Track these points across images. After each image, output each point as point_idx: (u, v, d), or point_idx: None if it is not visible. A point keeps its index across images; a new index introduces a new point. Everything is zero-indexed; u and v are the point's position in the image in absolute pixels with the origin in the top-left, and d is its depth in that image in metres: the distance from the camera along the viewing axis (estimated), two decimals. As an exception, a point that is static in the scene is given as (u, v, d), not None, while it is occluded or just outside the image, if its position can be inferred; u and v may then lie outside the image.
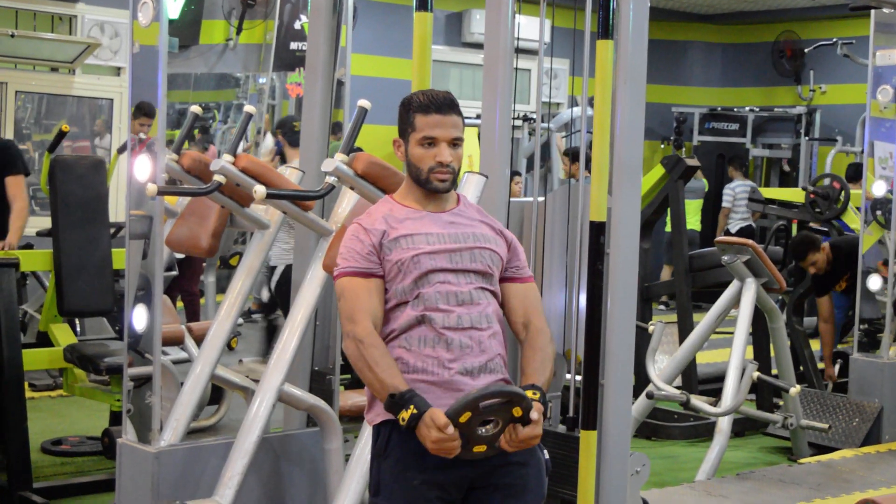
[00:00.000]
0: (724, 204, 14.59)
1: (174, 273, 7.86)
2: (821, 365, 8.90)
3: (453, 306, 3.30)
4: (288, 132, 8.07)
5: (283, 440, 5.00)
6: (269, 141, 11.98)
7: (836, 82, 15.92)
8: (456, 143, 3.36)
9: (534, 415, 3.16)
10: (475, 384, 3.28)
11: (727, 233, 14.12)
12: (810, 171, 15.49)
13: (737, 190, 14.46)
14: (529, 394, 3.22)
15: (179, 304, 8.47)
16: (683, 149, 16.08)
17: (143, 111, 4.85)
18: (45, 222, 7.87)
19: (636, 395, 6.54)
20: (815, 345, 9.05)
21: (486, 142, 4.68)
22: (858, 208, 8.77)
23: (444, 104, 3.36)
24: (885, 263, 8.16)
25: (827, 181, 9.81)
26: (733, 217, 14.48)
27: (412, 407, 3.13)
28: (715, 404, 6.94)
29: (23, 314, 8.17)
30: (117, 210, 9.45)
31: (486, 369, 3.32)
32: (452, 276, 3.33)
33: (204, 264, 8.64)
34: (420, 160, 3.36)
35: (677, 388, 7.21)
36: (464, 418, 3.09)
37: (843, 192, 9.38)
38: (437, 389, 3.26)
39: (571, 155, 6.75)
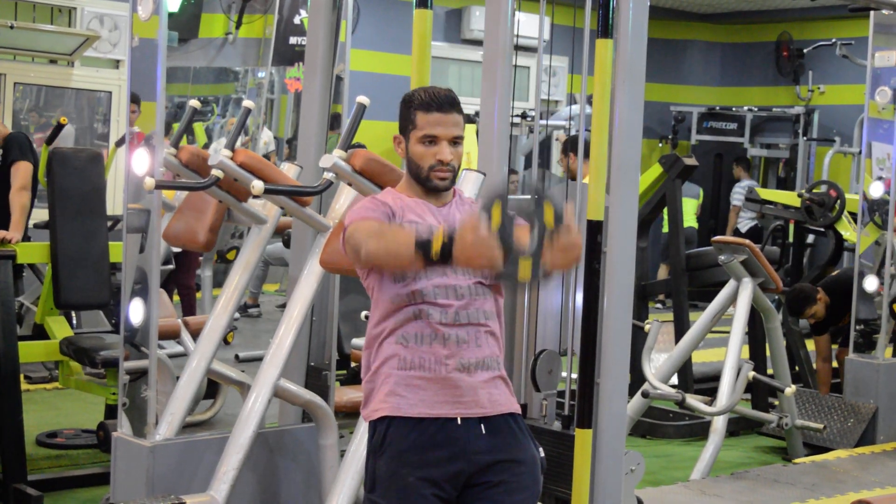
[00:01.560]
0: (735, 202, 14.61)
1: (171, 267, 7.87)
2: None
3: (452, 301, 3.30)
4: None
5: (278, 435, 5.00)
6: (266, 135, 11.98)
7: (835, 83, 15.93)
8: (456, 141, 3.36)
9: (569, 212, 2.96)
10: (472, 380, 3.28)
11: (737, 231, 14.13)
12: (808, 172, 15.50)
13: (748, 189, 14.49)
14: None
15: (176, 297, 8.47)
16: (676, 148, 16.08)
17: (131, 98, 4.88)
18: (42, 215, 7.86)
19: (632, 393, 6.55)
20: (810, 345, 9.06)
21: (484, 139, 4.68)
22: (853, 213, 8.77)
23: (446, 102, 3.35)
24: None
25: (823, 188, 9.81)
26: (742, 216, 14.49)
27: (441, 231, 2.97)
28: (710, 403, 6.95)
29: (19, 306, 8.17)
30: (114, 203, 9.46)
31: (482, 365, 3.32)
32: (451, 270, 3.32)
33: (200, 258, 8.65)
34: (420, 158, 3.36)
35: (673, 386, 7.22)
36: (495, 216, 2.88)
37: (838, 200, 9.38)
38: (435, 385, 3.26)
39: (569, 146, 6.73)
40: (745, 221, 14.50)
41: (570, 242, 2.94)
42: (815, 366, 8.61)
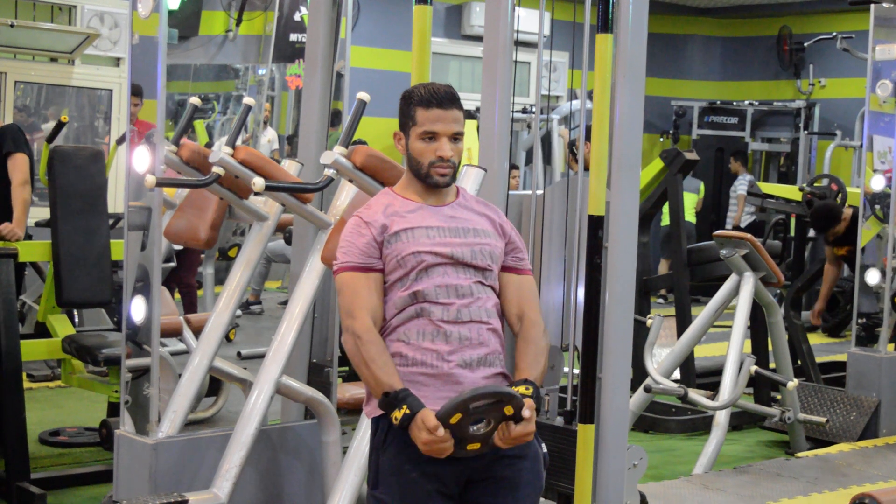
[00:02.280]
0: (740, 191, 14.63)
1: (172, 264, 7.87)
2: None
3: (453, 299, 3.30)
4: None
5: (280, 432, 5.00)
6: (270, 133, 11.98)
7: (836, 76, 15.92)
8: (456, 137, 3.36)
9: (526, 412, 3.17)
10: (474, 377, 3.29)
11: (736, 228, 14.13)
12: (809, 166, 15.49)
13: (749, 184, 14.52)
14: (521, 389, 3.23)
15: (177, 295, 8.47)
16: (677, 143, 16.08)
17: (132, 91, 4.88)
18: (43, 213, 7.86)
19: (634, 388, 6.54)
20: (812, 339, 9.06)
21: (485, 135, 4.68)
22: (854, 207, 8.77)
23: (446, 98, 3.36)
24: None
25: (825, 182, 9.80)
26: (746, 210, 14.50)
27: (405, 407, 3.16)
28: (713, 398, 6.95)
29: (21, 305, 8.17)
30: (116, 201, 9.46)
31: (484, 362, 3.32)
32: (452, 270, 3.33)
33: (202, 256, 8.65)
34: (421, 154, 3.36)
35: (675, 381, 7.21)
36: (454, 419, 3.11)
37: (839, 194, 9.38)
38: (437, 381, 3.27)
39: (575, 145, 6.74)
40: (745, 216, 14.51)
41: (526, 433, 3.21)
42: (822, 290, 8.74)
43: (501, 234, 3.48)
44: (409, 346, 3.29)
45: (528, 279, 3.52)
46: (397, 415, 3.16)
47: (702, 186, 14.98)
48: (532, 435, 3.23)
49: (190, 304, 8.39)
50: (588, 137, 5.57)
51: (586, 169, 4.71)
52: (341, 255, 3.36)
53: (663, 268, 13.80)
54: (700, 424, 7.95)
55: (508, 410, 3.16)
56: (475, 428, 3.15)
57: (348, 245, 3.36)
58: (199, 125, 11.66)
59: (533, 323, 3.42)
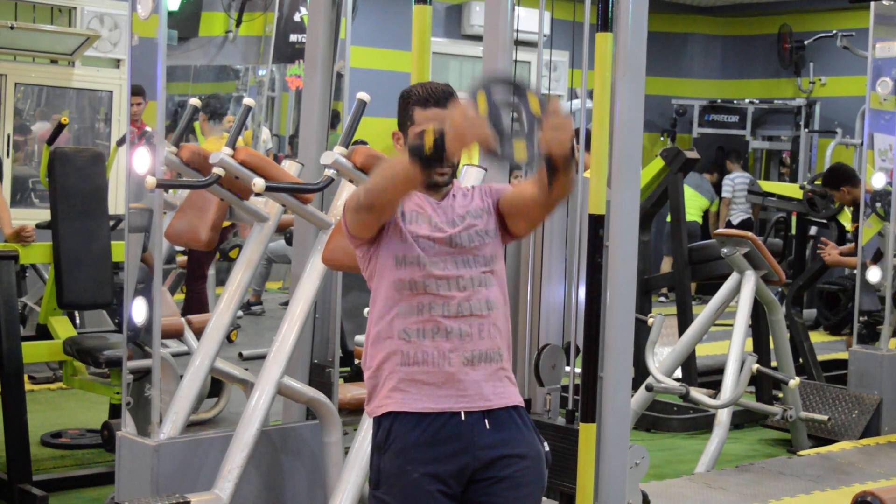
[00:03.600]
0: (725, 194, 14.61)
1: (174, 266, 7.87)
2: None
3: (454, 292, 3.30)
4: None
5: (282, 433, 5.01)
6: (264, 133, 11.98)
7: (836, 74, 15.91)
8: (455, 136, 3.35)
9: (553, 99, 3.02)
10: (475, 374, 3.28)
11: (729, 224, 14.13)
12: (810, 164, 15.49)
13: (736, 181, 14.52)
14: None
15: (178, 296, 8.47)
16: (677, 142, 16.06)
17: (133, 91, 4.89)
18: (44, 214, 7.86)
19: (635, 387, 6.54)
20: (814, 337, 9.06)
21: (485, 134, 4.67)
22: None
23: (443, 97, 3.35)
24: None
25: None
26: (734, 209, 14.49)
27: (430, 128, 3.03)
28: (714, 396, 6.95)
29: (22, 307, 8.17)
30: (116, 202, 9.46)
31: (485, 358, 3.32)
32: (452, 264, 3.32)
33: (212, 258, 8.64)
34: (419, 153, 3.35)
35: (677, 380, 7.21)
36: (481, 102, 2.93)
37: None
38: (438, 380, 3.26)
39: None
40: (738, 214, 14.49)
41: (560, 122, 2.99)
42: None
43: (489, 194, 3.46)
44: (410, 343, 3.28)
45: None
46: (428, 140, 3.01)
47: (717, 201, 14.87)
48: (571, 126, 3.05)
49: (198, 308, 8.35)
50: (588, 147, 5.57)
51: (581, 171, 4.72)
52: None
53: (666, 265, 13.79)
54: (702, 423, 7.95)
55: (534, 103, 2.99)
56: (509, 124, 2.97)
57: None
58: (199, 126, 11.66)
59: None
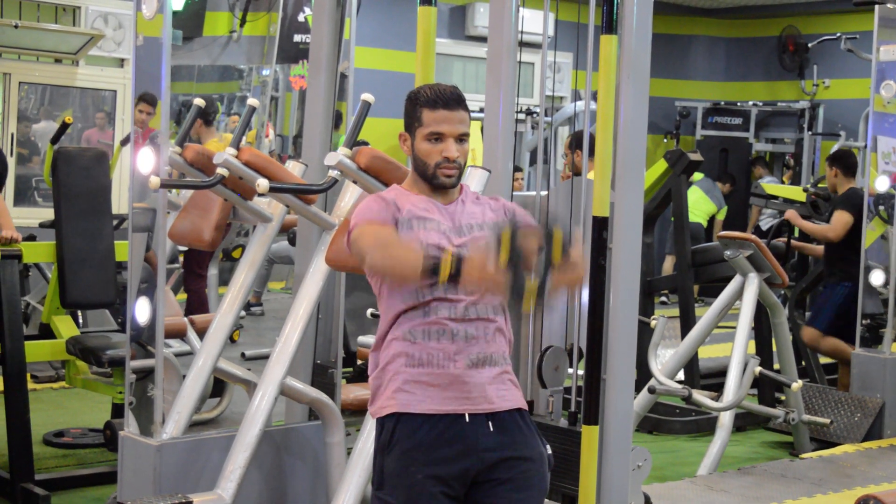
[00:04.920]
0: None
1: (177, 266, 7.87)
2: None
3: (462, 295, 3.30)
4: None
5: (285, 433, 5.01)
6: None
7: (840, 77, 15.90)
8: (462, 138, 3.35)
9: (577, 242, 3.08)
10: (480, 377, 3.28)
11: (757, 229, 14.08)
12: (813, 166, 15.47)
13: (753, 185, 14.47)
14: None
15: (181, 296, 8.47)
16: (681, 144, 16.05)
17: (144, 98, 4.88)
18: (48, 214, 7.87)
19: (638, 389, 6.55)
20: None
21: (489, 136, 4.68)
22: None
23: (452, 99, 3.35)
24: None
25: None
26: (764, 214, 14.43)
27: (449, 256, 3.04)
28: (717, 399, 6.94)
29: (25, 306, 8.18)
30: (120, 202, 9.46)
31: (490, 361, 3.32)
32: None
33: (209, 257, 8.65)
34: (427, 155, 3.35)
35: (679, 382, 7.21)
36: (504, 251, 2.95)
37: None
38: (442, 382, 3.26)
39: (574, 143, 6.72)
40: (767, 219, 14.44)
41: (575, 276, 3.07)
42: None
43: (503, 214, 3.47)
44: (416, 345, 3.28)
45: None
46: (444, 272, 3.03)
47: (724, 209, 14.80)
48: (582, 278, 3.14)
49: (198, 308, 8.35)
50: (579, 146, 5.57)
51: (577, 174, 4.72)
52: (358, 218, 3.32)
53: (667, 264, 13.78)
54: (704, 425, 7.94)
55: (556, 248, 3.02)
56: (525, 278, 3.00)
57: (366, 209, 3.32)
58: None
59: None
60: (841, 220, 8.21)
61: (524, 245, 2.97)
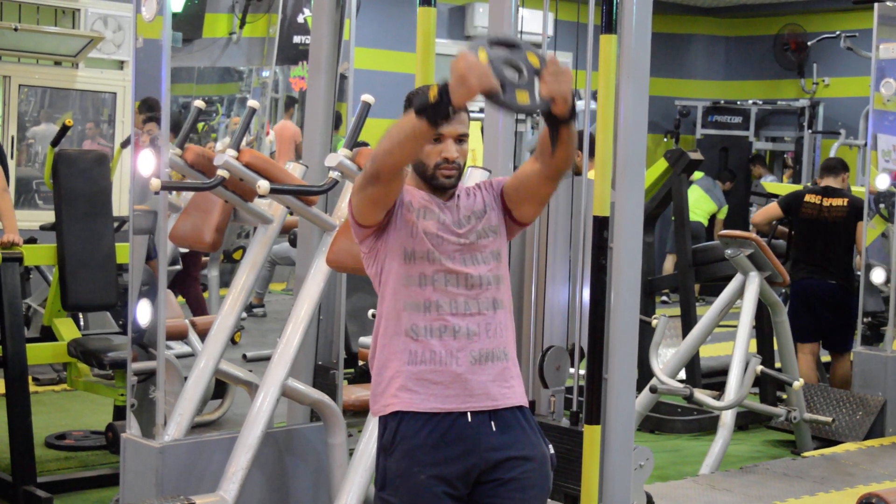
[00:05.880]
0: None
1: (178, 267, 7.87)
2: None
3: (462, 290, 3.30)
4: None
5: (286, 435, 5.01)
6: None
7: (840, 75, 15.90)
8: (461, 139, 3.35)
9: (549, 55, 3.07)
10: (482, 372, 3.29)
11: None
12: (813, 165, 15.47)
13: (753, 184, 14.46)
14: None
15: (179, 299, 8.47)
16: (680, 143, 16.04)
17: (153, 119, 4.83)
18: (48, 216, 7.87)
19: (640, 389, 6.54)
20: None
21: (489, 136, 4.68)
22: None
23: (451, 100, 3.35)
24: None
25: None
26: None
27: (433, 85, 3.05)
28: (718, 398, 6.95)
29: (26, 308, 8.18)
30: (120, 204, 9.46)
31: (492, 356, 3.32)
32: (461, 261, 3.32)
33: (206, 258, 8.65)
34: (426, 156, 3.35)
35: (681, 381, 7.21)
36: (482, 55, 2.96)
37: None
38: (445, 379, 3.26)
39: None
40: None
41: (559, 70, 3.05)
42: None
43: (492, 187, 3.47)
44: (417, 342, 3.28)
45: None
46: (433, 90, 3.03)
47: (725, 209, 14.76)
48: (570, 79, 3.10)
49: (197, 307, 8.36)
50: (580, 146, 5.56)
51: (577, 174, 4.72)
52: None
53: (668, 263, 13.77)
54: (706, 424, 7.94)
55: (533, 58, 3.04)
56: (511, 75, 3.01)
57: None
58: (201, 128, 11.66)
59: None
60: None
61: (499, 54, 2.99)
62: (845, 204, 8.06)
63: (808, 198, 8.24)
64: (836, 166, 8.33)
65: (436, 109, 3.03)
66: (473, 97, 3.00)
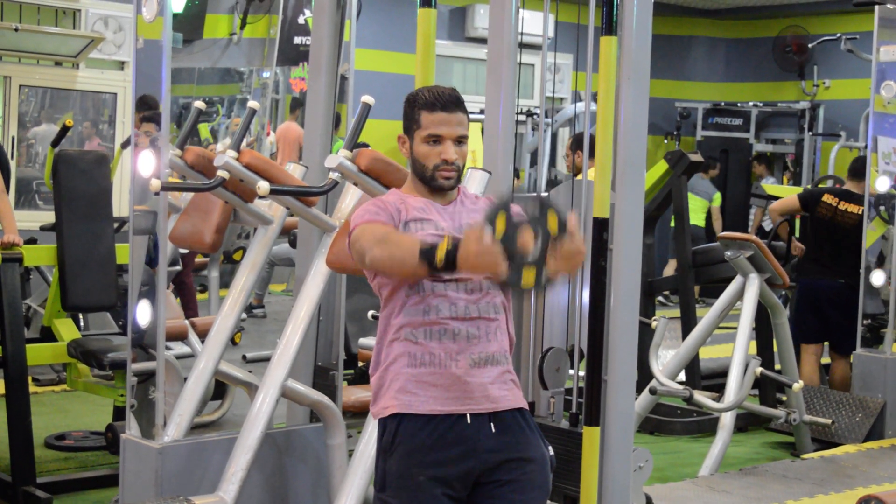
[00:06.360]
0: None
1: (178, 268, 7.87)
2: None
3: (462, 294, 3.30)
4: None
5: (286, 436, 5.01)
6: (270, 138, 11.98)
7: (840, 77, 15.90)
8: (461, 140, 3.36)
9: (572, 221, 3.01)
10: (481, 376, 3.29)
11: (761, 230, 14.08)
12: (814, 167, 15.48)
13: (753, 186, 14.45)
14: None
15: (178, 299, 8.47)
16: (681, 144, 16.04)
17: (150, 119, 4.84)
18: (48, 217, 7.87)
19: (639, 390, 6.54)
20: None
21: (489, 137, 4.68)
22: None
23: (450, 102, 3.35)
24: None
25: (829, 183, 9.76)
26: (768, 215, 14.41)
27: (445, 240, 3.01)
28: (718, 400, 6.95)
29: (26, 309, 8.18)
30: (120, 205, 9.46)
31: (492, 360, 3.32)
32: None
33: (207, 259, 8.65)
34: (425, 157, 3.36)
35: (680, 383, 7.21)
36: (499, 227, 2.92)
37: None
38: (444, 382, 3.26)
39: (576, 144, 6.73)
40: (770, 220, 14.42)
41: (575, 249, 2.99)
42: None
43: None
44: (417, 345, 3.29)
45: None
46: (441, 252, 2.99)
47: (717, 196, 14.76)
48: (583, 253, 3.06)
49: (187, 303, 8.35)
50: (580, 147, 5.57)
51: (577, 175, 4.72)
52: (356, 220, 3.31)
53: (669, 269, 13.77)
54: (706, 426, 7.94)
55: (552, 222, 2.97)
56: (523, 252, 2.95)
57: (364, 212, 3.32)
58: (204, 128, 11.66)
59: None
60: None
61: (519, 220, 2.94)
62: (859, 212, 8.07)
63: (825, 198, 8.25)
64: (860, 170, 8.32)
65: (438, 268, 3.03)
66: (479, 272, 3.00)
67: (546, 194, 3.03)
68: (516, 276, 2.93)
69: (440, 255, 2.98)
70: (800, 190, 11.07)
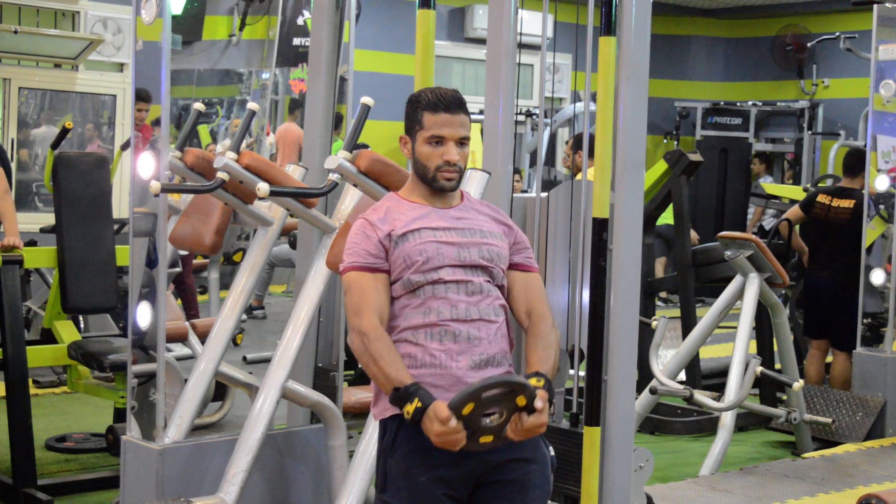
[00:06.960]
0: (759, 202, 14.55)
1: (178, 269, 7.88)
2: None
3: (462, 296, 3.30)
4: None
5: (287, 437, 5.01)
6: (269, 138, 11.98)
7: (839, 76, 15.91)
8: (463, 141, 3.36)
9: (538, 403, 3.12)
10: (482, 377, 3.29)
11: (760, 229, 14.08)
12: (813, 166, 15.48)
13: (753, 185, 14.45)
14: (533, 381, 3.18)
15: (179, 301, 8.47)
16: (680, 144, 16.04)
17: (138, 96, 4.89)
18: (48, 219, 7.88)
19: (639, 390, 6.55)
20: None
21: (489, 138, 4.68)
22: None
23: (453, 103, 3.36)
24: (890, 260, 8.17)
25: (829, 182, 9.75)
26: (767, 212, 14.41)
27: (416, 400, 3.11)
28: (718, 399, 6.95)
29: (27, 311, 8.18)
30: (120, 206, 9.46)
31: (493, 362, 3.32)
32: (461, 270, 3.33)
33: (207, 260, 8.65)
34: (427, 158, 3.36)
35: (681, 383, 7.21)
36: (466, 410, 3.06)
37: None
38: (445, 383, 3.26)
39: (575, 144, 6.73)
40: (770, 218, 14.41)
41: (537, 423, 3.15)
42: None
43: (507, 233, 3.48)
44: (418, 346, 3.29)
45: (535, 276, 3.51)
46: (409, 409, 3.12)
47: None
48: (544, 427, 3.18)
49: (188, 304, 8.36)
50: (580, 147, 5.57)
51: (577, 174, 4.72)
52: (348, 256, 3.36)
53: (658, 267, 13.76)
54: (706, 426, 7.94)
55: (521, 401, 3.11)
56: (488, 420, 3.11)
57: (354, 246, 3.36)
58: (203, 130, 11.66)
59: (541, 317, 3.41)
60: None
61: (487, 399, 3.08)
62: (851, 206, 8.07)
63: (819, 198, 8.27)
64: (851, 166, 8.33)
65: (405, 419, 3.19)
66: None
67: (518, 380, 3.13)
68: (473, 444, 3.12)
69: (408, 410, 3.14)
70: (798, 189, 11.07)
